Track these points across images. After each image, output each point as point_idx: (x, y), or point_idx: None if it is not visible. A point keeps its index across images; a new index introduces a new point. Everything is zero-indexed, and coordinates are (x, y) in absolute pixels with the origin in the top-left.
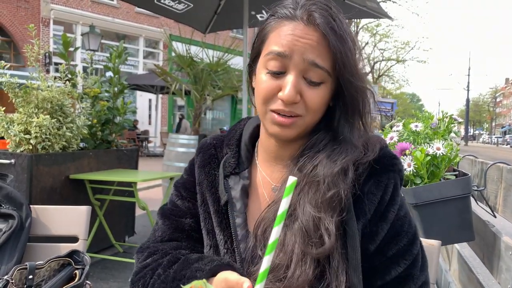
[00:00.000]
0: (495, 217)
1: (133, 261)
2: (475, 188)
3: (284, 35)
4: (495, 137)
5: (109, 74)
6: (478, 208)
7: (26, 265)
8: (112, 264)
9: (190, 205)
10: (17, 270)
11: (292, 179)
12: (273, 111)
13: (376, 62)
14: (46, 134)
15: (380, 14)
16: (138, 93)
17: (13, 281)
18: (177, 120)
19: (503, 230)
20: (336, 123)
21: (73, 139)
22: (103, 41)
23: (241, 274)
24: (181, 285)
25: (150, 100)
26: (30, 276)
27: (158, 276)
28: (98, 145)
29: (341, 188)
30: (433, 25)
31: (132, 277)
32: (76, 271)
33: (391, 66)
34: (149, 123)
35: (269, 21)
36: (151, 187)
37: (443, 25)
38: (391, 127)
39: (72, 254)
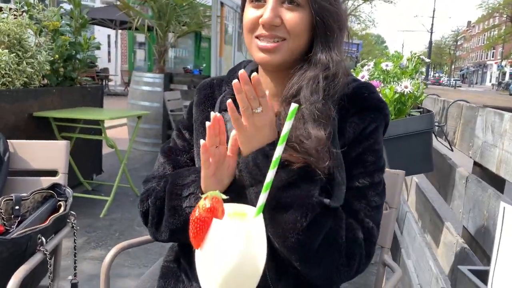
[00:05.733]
0: (452, 150)
1: (102, 198)
2: (437, 124)
3: None
4: (454, 80)
5: (67, 6)
6: (437, 143)
7: (12, 196)
8: (81, 201)
9: (186, 144)
10: (4, 201)
11: (294, 105)
12: (257, 37)
13: (344, 0)
14: (5, 70)
15: None
16: (96, 28)
17: (2, 211)
18: (137, 57)
19: (459, 162)
20: (316, 53)
21: (35, 75)
22: None
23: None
24: (200, 195)
25: (109, 36)
26: (17, 207)
27: (163, 189)
28: (61, 82)
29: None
30: None
31: (141, 196)
32: (60, 203)
33: (358, 6)
34: (109, 61)
35: None
36: (116, 126)
37: None
38: (363, 66)
39: (54, 187)
